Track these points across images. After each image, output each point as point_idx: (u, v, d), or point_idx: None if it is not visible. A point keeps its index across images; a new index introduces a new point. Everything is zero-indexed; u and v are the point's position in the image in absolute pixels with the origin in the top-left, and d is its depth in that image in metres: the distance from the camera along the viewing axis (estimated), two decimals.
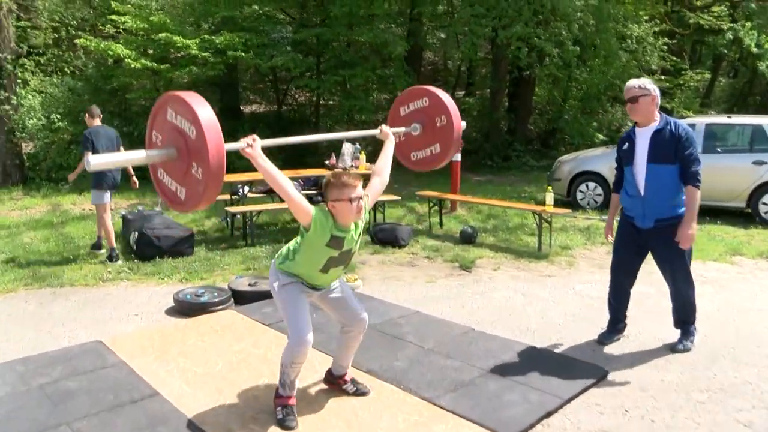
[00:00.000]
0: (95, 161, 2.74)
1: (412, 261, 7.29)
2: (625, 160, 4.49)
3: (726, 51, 20.89)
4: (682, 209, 4.31)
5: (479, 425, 3.39)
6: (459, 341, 4.63)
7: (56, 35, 16.25)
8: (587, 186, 10.85)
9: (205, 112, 2.72)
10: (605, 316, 4.83)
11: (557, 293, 6.02)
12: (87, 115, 7.44)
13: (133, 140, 13.89)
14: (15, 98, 13.32)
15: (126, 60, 13.24)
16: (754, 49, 16.44)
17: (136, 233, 7.28)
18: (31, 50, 15.39)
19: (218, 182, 2.74)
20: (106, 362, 4.27)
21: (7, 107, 13.13)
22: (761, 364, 4.27)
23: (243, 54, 14.19)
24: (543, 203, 8.10)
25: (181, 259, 7.12)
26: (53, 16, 16.68)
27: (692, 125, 10.11)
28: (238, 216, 8.29)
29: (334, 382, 3.74)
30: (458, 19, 16.02)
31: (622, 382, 3.99)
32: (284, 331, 3.87)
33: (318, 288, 3.44)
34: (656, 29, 17.28)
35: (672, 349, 4.49)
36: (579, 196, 10.91)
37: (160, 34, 13.37)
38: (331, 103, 18.50)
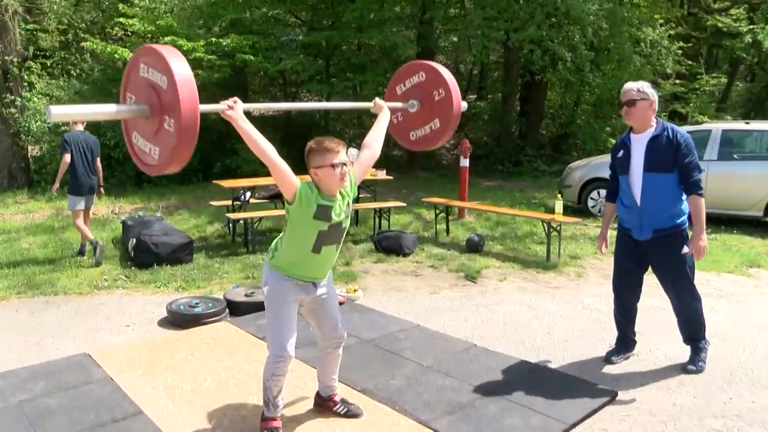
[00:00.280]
0: (57, 111, 2.51)
1: (416, 270, 7.09)
2: (620, 168, 4.28)
3: (744, 54, 20.58)
4: (681, 219, 4.10)
5: None
6: (459, 358, 4.42)
7: (63, 38, 16.18)
8: (598, 193, 10.59)
9: (178, 61, 2.55)
10: (614, 333, 4.60)
11: (565, 307, 5.79)
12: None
13: None
14: (21, 101, 13.26)
15: None
16: None
17: (134, 240, 7.13)
18: (38, 53, 15.33)
19: (191, 135, 2.54)
20: (90, 377, 4.10)
21: (13, 110, 13.07)
22: None
23: (251, 57, 14.05)
24: (553, 210, 7.87)
25: (180, 267, 6.95)
26: (62, 19, 16.66)
27: (708, 131, 9.86)
28: (240, 222, 8.11)
29: (324, 405, 3.54)
30: (470, 21, 15.81)
31: (630, 405, 3.76)
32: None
33: (313, 280, 3.21)
34: (671, 33, 17.01)
35: (684, 369, 4.25)
36: (590, 203, 10.65)
37: (165, 38, 13.25)
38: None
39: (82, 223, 7.39)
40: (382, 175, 9.16)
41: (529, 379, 4.10)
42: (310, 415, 3.56)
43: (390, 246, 7.74)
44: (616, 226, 4.48)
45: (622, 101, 4.16)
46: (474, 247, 7.86)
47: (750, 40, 18.11)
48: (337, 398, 3.54)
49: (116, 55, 13.33)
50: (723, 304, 5.87)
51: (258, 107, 3.30)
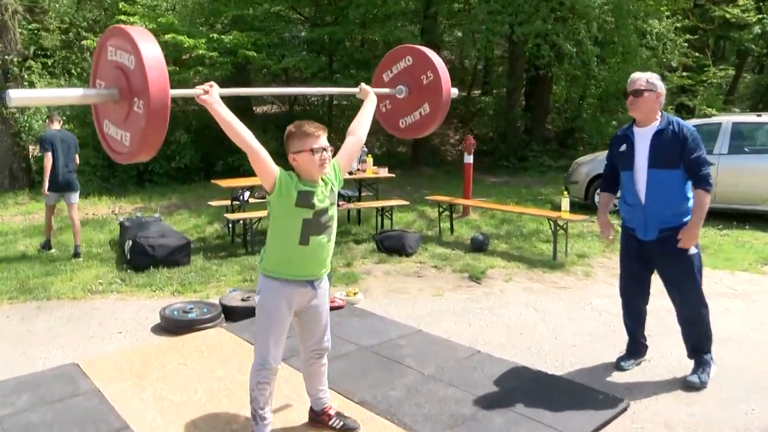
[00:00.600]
0: (16, 95, 2.34)
1: (419, 271, 6.89)
2: (622, 163, 4.07)
3: (752, 46, 20.26)
4: (688, 218, 3.87)
5: None
6: (463, 366, 4.23)
7: (65, 37, 16.04)
8: None
9: (146, 40, 2.39)
10: (624, 336, 4.39)
11: (572, 309, 5.59)
12: (47, 119, 7.90)
13: None
14: None
15: None
16: None
17: (130, 242, 6.96)
18: (39, 52, 15.19)
19: (161, 118, 2.37)
20: (77, 389, 3.92)
21: (14, 109, 12.91)
22: None
23: (254, 54, 13.88)
24: (560, 207, 7.67)
25: (176, 270, 6.78)
26: (64, 18, 16.52)
27: (718, 124, 9.62)
28: (240, 222, 7.93)
29: (318, 419, 3.35)
30: (474, 16, 15.58)
31: (644, 416, 3.56)
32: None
33: (309, 278, 3.01)
34: (678, 25, 16.72)
35: (684, 383, 3.95)
36: (597, 199, 10.37)
37: (166, 35, 13.09)
38: (344, 103, 18.14)
39: (52, 219, 7.81)
40: (384, 173, 8.96)
41: (536, 388, 3.90)
42: (304, 429, 3.37)
43: (392, 246, 7.55)
44: (618, 224, 4.30)
45: (628, 90, 3.96)
46: (478, 246, 7.66)
47: (759, 31, 17.81)
48: (331, 411, 3.35)
49: None
50: (738, 304, 5.66)
51: (235, 92, 3.13)
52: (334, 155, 3.04)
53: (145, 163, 13.84)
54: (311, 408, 3.37)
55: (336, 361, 4.15)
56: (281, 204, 2.89)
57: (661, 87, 3.93)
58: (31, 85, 14.09)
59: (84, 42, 14.08)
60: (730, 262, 7.04)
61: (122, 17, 14.16)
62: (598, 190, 4.38)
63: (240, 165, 14.18)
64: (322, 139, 2.90)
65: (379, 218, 8.83)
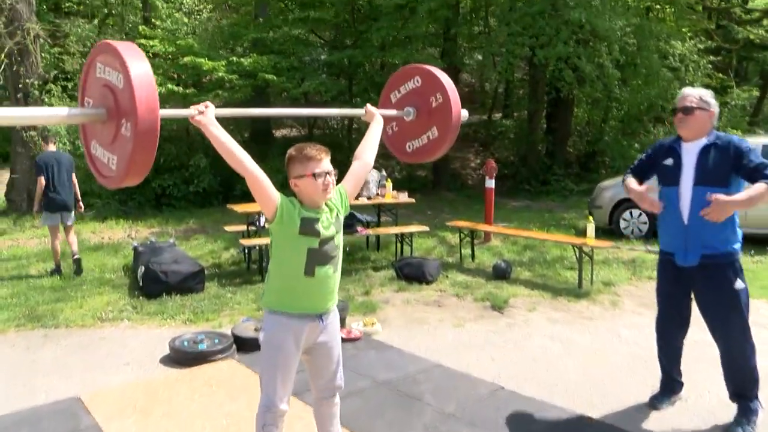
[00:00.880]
0: None
1: (440, 300, 6.65)
2: (665, 178, 3.72)
3: None
4: (735, 245, 3.54)
5: None
6: (485, 404, 3.97)
7: (83, 60, 16.12)
8: (631, 214, 10.07)
9: (135, 57, 2.22)
10: (657, 372, 4.11)
11: (600, 341, 5.31)
12: (42, 141, 8.12)
13: (160, 167, 13.63)
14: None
15: None
16: None
17: (143, 267, 6.80)
18: (60, 76, 15.28)
19: (149, 141, 2.20)
20: (78, 425, 3.74)
21: (33, 133, 12.93)
22: None
23: (274, 77, 13.83)
24: (584, 232, 7.40)
25: (189, 297, 6.60)
26: (86, 42, 16.64)
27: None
28: (256, 248, 7.74)
29: None
30: (494, 38, 15.45)
31: None
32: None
33: (317, 312, 2.79)
34: (701, 46, 16.47)
35: (725, 430, 3.63)
36: (622, 224, 10.13)
37: (185, 58, 13.10)
38: (365, 127, 17.98)
39: (58, 244, 7.71)
40: (403, 197, 8.75)
41: (564, 429, 3.64)
42: None
43: (412, 273, 7.31)
44: (650, 247, 4.01)
45: (677, 107, 3.65)
46: (501, 273, 7.41)
47: None
48: None
49: None
50: None
51: (232, 113, 2.97)
52: (339, 180, 2.86)
53: (163, 187, 13.80)
54: None
55: (351, 397, 3.92)
56: (284, 232, 2.70)
57: (715, 105, 3.64)
58: (51, 107, 14.15)
59: None
60: (766, 290, 6.72)
61: (142, 41, 14.22)
62: (628, 172, 3.95)
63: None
64: (325, 163, 2.71)
65: (399, 244, 8.60)
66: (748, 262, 8.12)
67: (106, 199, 12.96)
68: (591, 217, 7.59)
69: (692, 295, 3.75)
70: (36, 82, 12.97)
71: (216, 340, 5.01)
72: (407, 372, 4.50)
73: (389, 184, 8.73)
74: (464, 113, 3.35)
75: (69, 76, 15.19)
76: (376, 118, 3.20)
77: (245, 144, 17.39)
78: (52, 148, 7.87)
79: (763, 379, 3.70)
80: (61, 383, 4.50)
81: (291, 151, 2.76)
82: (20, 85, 12.78)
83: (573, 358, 4.90)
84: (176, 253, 7.28)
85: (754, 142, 9.45)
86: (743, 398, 3.65)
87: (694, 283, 3.67)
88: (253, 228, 8.12)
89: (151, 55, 15.58)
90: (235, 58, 13.69)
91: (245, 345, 5.06)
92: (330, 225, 2.76)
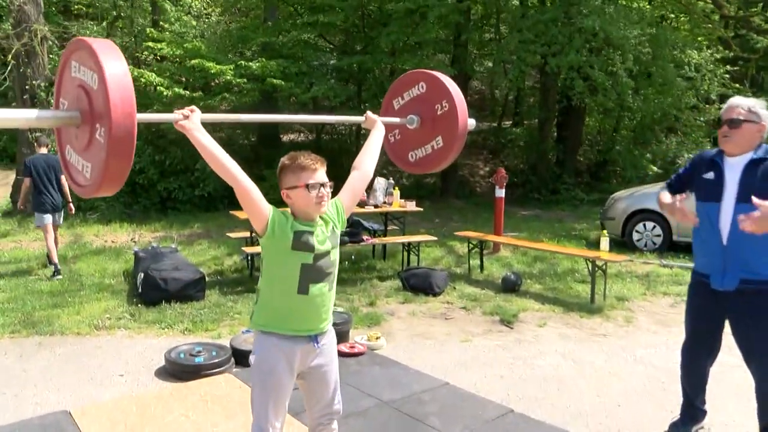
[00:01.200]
0: None
1: (447, 312, 6.45)
2: (705, 193, 3.40)
3: None
4: None
5: None
6: (493, 428, 3.76)
7: None
8: (644, 226, 9.84)
9: (111, 56, 2.03)
10: (675, 396, 3.89)
11: (614, 361, 5.09)
12: (35, 143, 8.27)
13: (165, 170, 13.49)
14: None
15: (158, 88, 12.84)
16: None
17: (143, 274, 6.63)
18: None
19: (125, 147, 2.01)
20: None
21: (39, 134, 12.81)
22: None
23: (282, 83, 13.68)
24: (595, 244, 7.19)
25: (189, 305, 6.42)
26: None
27: None
28: (259, 256, 7.55)
29: None
30: (505, 45, 15.26)
31: None
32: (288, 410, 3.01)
33: (310, 333, 2.58)
34: (718, 56, 16.22)
35: None
36: (635, 236, 9.89)
37: (192, 61, 12.97)
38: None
39: (53, 243, 7.83)
40: (411, 206, 8.55)
41: None
42: None
43: (418, 284, 7.11)
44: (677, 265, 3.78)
45: (723, 118, 3.33)
46: (510, 286, 7.19)
47: None
48: None
49: (142, 79, 13.04)
50: None
51: (219, 119, 2.78)
52: (336, 192, 2.67)
53: (168, 190, 13.64)
54: None
55: (353, 419, 3.72)
56: (275, 247, 2.50)
57: (766, 117, 3.31)
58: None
59: None
60: None
61: (150, 44, 14.12)
62: (664, 187, 3.68)
63: (265, 193, 13.88)
64: (320, 174, 2.52)
65: (406, 254, 8.40)
66: None
67: (111, 202, 12.80)
68: (605, 231, 7.35)
69: (726, 321, 3.46)
70: (42, 84, 12.86)
71: (214, 353, 4.82)
72: (412, 391, 4.29)
73: (396, 192, 8.54)
74: (471, 122, 3.14)
75: None
76: (377, 126, 3.00)
77: (252, 148, 17.31)
78: (43, 151, 8.04)
79: None
80: (52, 395, 4.33)
81: (283, 160, 2.57)
82: (27, 87, 12.67)
83: (586, 379, 4.68)
84: (177, 260, 7.10)
85: None
86: None
87: (730, 308, 3.36)
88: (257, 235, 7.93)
89: (158, 58, 15.51)
90: (243, 62, 13.53)
91: (244, 358, 4.85)
92: (325, 239, 2.57)
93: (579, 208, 15.11)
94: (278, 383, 2.57)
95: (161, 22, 15.90)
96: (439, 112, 3.14)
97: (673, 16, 18.10)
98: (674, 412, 3.87)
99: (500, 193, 9.25)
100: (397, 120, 3.25)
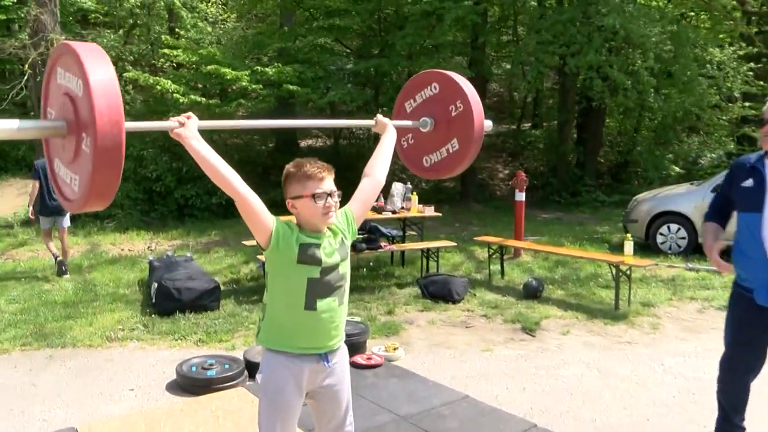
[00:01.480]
0: None
1: (467, 321, 6.27)
2: (745, 202, 3.17)
3: None
4: None
5: None
6: None
7: None
8: (669, 228, 9.58)
9: (97, 61, 1.89)
10: (708, 409, 3.67)
11: (641, 370, 4.88)
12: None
13: (183, 177, 13.44)
14: None
15: (174, 95, 12.79)
16: None
17: (156, 284, 6.53)
18: None
19: (112, 159, 1.87)
20: None
21: None
22: None
23: (298, 88, 13.58)
24: (618, 247, 6.98)
25: (204, 315, 6.30)
26: (110, 53, 16.60)
27: None
28: None
29: None
30: (523, 47, 15.06)
31: None
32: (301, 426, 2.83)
33: (320, 351, 2.43)
34: (741, 53, 15.88)
35: None
36: (659, 239, 9.63)
37: (208, 67, 12.91)
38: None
39: (51, 243, 8.27)
40: (429, 211, 8.37)
41: None
42: None
43: (437, 292, 6.94)
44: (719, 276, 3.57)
45: (764, 118, 3.11)
46: (532, 292, 7.00)
47: None
48: None
49: (158, 87, 13.02)
50: None
51: (217, 125, 2.64)
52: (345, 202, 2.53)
53: (186, 197, 13.58)
54: None
55: None
56: (280, 260, 2.36)
57: None
58: None
59: (125, 74, 14.01)
60: None
61: (166, 50, 14.10)
62: (704, 220, 3.45)
63: (283, 200, 13.82)
64: (327, 182, 2.37)
65: (425, 260, 8.22)
66: None
67: (128, 210, 12.78)
68: (629, 234, 7.12)
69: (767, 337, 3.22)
70: None
71: (226, 366, 4.69)
72: (431, 405, 4.12)
73: (415, 198, 8.37)
74: (488, 123, 2.97)
75: None
76: (388, 130, 2.84)
77: (269, 154, 17.24)
78: None
79: None
80: (60, 411, 4.23)
81: (288, 167, 2.43)
82: None
83: (611, 390, 4.49)
84: (192, 269, 6.99)
85: None
86: None
87: None
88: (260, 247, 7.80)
89: (175, 65, 15.48)
90: (259, 68, 13.45)
91: (257, 371, 4.72)
92: (333, 251, 2.41)
93: (600, 211, 14.84)
94: (286, 404, 2.42)
95: (177, 29, 15.90)
96: (453, 114, 2.97)
97: (693, 14, 17.75)
98: (707, 427, 3.66)
99: (520, 196, 9.05)
100: (409, 123, 3.08)
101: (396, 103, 3.26)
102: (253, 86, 13.29)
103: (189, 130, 2.19)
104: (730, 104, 17.44)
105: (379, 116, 2.90)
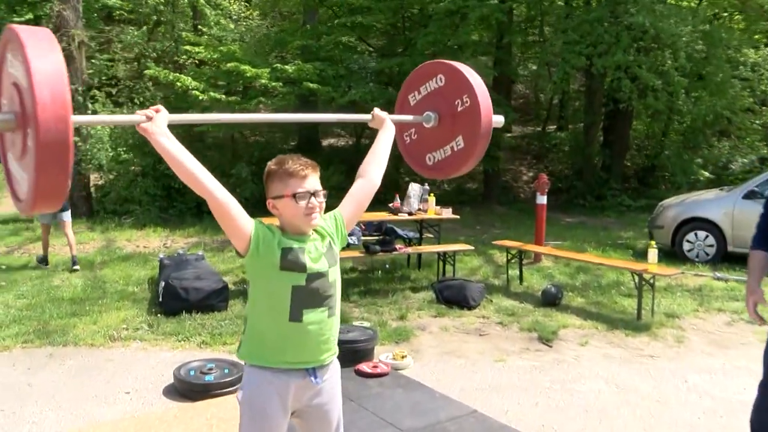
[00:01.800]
0: None
1: (481, 328, 6.03)
2: None
3: None
4: None
5: None
6: None
7: (127, 66, 16.16)
8: (696, 235, 9.23)
9: (41, 47, 1.71)
10: None
11: (663, 387, 4.61)
12: None
13: None
14: (85, 129, 12.99)
15: (194, 92, 12.70)
16: None
17: (163, 283, 6.38)
18: (112, 82, 15.23)
19: (56, 155, 1.68)
20: None
21: (77, 138, 12.80)
22: None
23: (318, 86, 13.42)
24: (643, 254, 6.66)
25: (210, 316, 6.14)
26: (134, 49, 16.62)
27: None
28: None
29: None
30: (549, 47, 14.75)
31: None
32: None
33: (307, 366, 2.22)
34: None
35: None
36: (686, 246, 9.28)
37: (228, 64, 12.81)
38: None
39: (47, 239, 8.43)
40: (447, 213, 8.12)
41: None
42: None
43: (452, 297, 6.70)
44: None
45: None
46: (551, 300, 6.74)
47: None
48: None
49: (178, 83, 12.94)
50: None
51: (187, 119, 2.45)
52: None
53: None
54: None
55: None
56: (262, 267, 2.16)
57: None
58: (95, 113, 14.05)
59: (146, 71, 13.97)
60: None
61: (188, 47, 14.05)
62: (751, 246, 3.16)
63: None
64: (310, 181, 2.18)
65: (441, 263, 7.98)
66: None
67: (147, 206, 12.71)
68: (653, 242, 6.82)
69: None
70: (80, 89, 12.84)
71: (226, 370, 4.52)
72: (437, 419, 3.90)
73: (432, 199, 8.13)
74: (499, 119, 2.73)
75: (113, 82, 15.14)
76: (386, 125, 2.61)
77: (290, 152, 17.10)
78: None
79: None
80: (52, 413, 4.08)
81: (270, 164, 2.23)
82: None
83: (631, 408, 4.22)
84: (201, 268, 6.84)
85: None
86: None
87: None
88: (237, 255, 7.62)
89: (197, 62, 15.42)
90: (278, 65, 13.32)
91: (239, 387, 4.54)
92: (320, 256, 2.21)
93: (625, 215, 14.47)
94: (269, 424, 2.22)
95: (200, 26, 15.85)
96: (459, 109, 2.72)
97: (726, 14, 17.27)
98: None
99: (542, 200, 8.78)
100: (410, 118, 2.85)
101: (399, 96, 3.03)
102: (273, 84, 13.16)
103: (156, 125, 2.00)
104: (764, 107, 16.95)
105: (377, 110, 2.67)
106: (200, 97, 12.63)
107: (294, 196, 2.14)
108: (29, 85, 1.66)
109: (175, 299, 6.21)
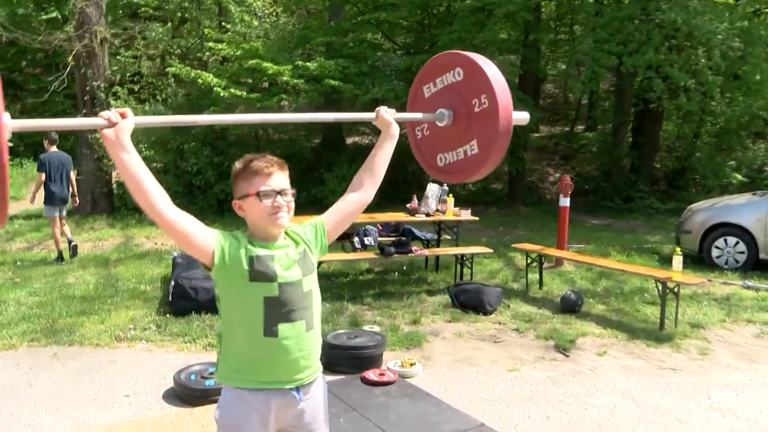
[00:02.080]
0: None
1: (497, 334, 5.83)
2: None
3: None
4: None
5: None
6: None
7: (151, 62, 16.21)
8: (725, 241, 8.89)
9: None
10: None
11: (684, 404, 4.37)
12: (46, 140, 8.58)
13: (224, 172, 13.27)
14: None
15: (215, 89, 12.66)
16: None
17: (173, 282, 6.29)
18: (136, 79, 15.28)
19: None
20: None
21: (98, 135, 12.83)
22: None
23: (341, 84, 13.30)
24: (669, 259, 6.38)
25: (218, 317, 6.01)
26: (158, 45, 16.67)
27: None
28: None
29: None
30: (578, 46, 14.43)
31: None
32: None
33: (288, 385, 2.07)
34: None
35: None
36: (714, 253, 8.95)
37: (250, 61, 12.76)
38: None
39: (58, 232, 8.59)
40: (466, 215, 7.91)
41: None
42: None
43: (468, 301, 6.51)
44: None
45: None
46: (570, 306, 6.51)
47: None
48: None
49: (200, 80, 12.93)
50: None
51: (152, 122, 2.30)
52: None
53: (226, 192, 13.44)
54: None
55: None
56: (230, 279, 2.02)
57: None
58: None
59: (168, 69, 13.97)
60: None
61: (211, 44, 14.02)
62: None
63: (323, 198, 13.57)
64: (276, 179, 2.03)
65: (458, 266, 7.78)
66: None
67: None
68: (678, 248, 6.55)
69: None
70: (102, 85, 12.87)
71: None
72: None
73: (450, 200, 7.94)
74: (523, 116, 2.45)
75: (135, 79, 15.19)
76: (389, 131, 2.34)
77: (314, 150, 17.01)
78: (54, 149, 8.59)
79: None
80: (48, 416, 4.00)
81: (235, 164, 2.10)
82: (87, 88, 12.72)
83: (647, 426, 4.00)
84: None
85: None
86: None
87: None
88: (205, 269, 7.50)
89: (220, 59, 15.41)
90: (300, 62, 13.23)
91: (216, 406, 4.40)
92: (292, 264, 2.05)
93: (653, 218, 14.11)
94: None
95: (224, 23, 15.84)
96: (476, 110, 2.43)
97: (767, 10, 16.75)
98: None
99: (564, 202, 8.54)
100: (420, 116, 2.58)
101: (413, 87, 2.75)
102: (295, 81, 13.07)
103: (121, 131, 1.86)
104: None
105: (382, 110, 2.37)
106: (222, 94, 12.59)
107: (258, 194, 2.00)
108: None
109: (184, 299, 6.12)
